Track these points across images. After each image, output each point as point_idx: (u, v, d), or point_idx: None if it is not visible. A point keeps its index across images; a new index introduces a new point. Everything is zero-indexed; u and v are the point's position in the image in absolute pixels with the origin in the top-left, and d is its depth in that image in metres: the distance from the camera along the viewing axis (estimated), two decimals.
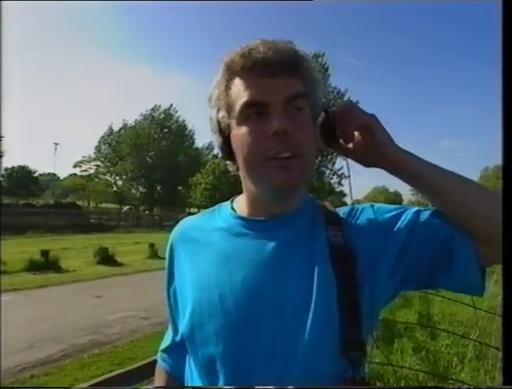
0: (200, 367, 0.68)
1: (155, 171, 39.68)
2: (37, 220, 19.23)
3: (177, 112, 42.44)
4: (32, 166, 44.21)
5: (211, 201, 39.11)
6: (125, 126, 41.98)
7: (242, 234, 0.70)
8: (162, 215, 29.68)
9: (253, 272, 0.66)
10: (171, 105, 42.03)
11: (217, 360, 0.65)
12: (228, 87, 0.69)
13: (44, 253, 9.38)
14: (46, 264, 9.19)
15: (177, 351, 0.81)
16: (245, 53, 0.67)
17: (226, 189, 37.89)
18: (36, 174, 44.53)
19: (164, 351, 0.87)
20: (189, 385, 0.74)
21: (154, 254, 12.12)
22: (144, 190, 41.65)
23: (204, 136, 44.16)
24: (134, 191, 42.70)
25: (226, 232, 0.72)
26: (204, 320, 0.67)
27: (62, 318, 5.85)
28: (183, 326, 0.71)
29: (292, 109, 0.66)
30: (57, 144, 53.99)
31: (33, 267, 9.07)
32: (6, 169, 38.47)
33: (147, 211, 36.21)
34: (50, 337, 5.07)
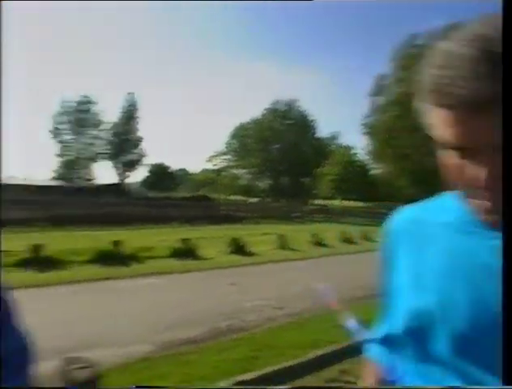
0: (421, 364, 0.67)
1: (280, 163, 40.82)
2: (175, 212, 21.51)
3: (298, 103, 42.88)
4: (168, 163, 49.72)
5: (337, 192, 38.83)
6: (251, 121, 44.12)
7: (474, 233, 0.65)
8: (290, 207, 30.38)
9: (489, 278, 0.61)
10: (293, 97, 42.73)
11: (441, 361, 0.63)
12: None
13: (185, 241, 10.37)
14: (186, 252, 10.14)
15: (389, 344, 0.77)
16: None
17: (353, 179, 37.03)
18: (171, 170, 49.98)
19: (376, 343, 0.82)
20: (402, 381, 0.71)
21: (283, 244, 12.41)
22: (270, 182, 43.22)
23: (328, 126, 43.61)
24: (260, 184, 44.66)
25: (456, 228, 0.67)
26: (431, 319, 0.65)
27: (202, 303, 6.35)
28: (403, 322, 0.69)
29: None
30: (189, 142, 59.71)
31: (174, 253, 10.11)
32: (147, 166, 44.01)
33: (274, 204, 37.51)
34: (192, 319, 5.54)
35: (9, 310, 0.77)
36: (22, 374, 0.78)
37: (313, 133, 43.32)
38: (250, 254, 11.30)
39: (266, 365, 3.85)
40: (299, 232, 15.90)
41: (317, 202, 36.07)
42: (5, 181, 24.94)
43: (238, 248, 11.27)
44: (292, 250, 12.49)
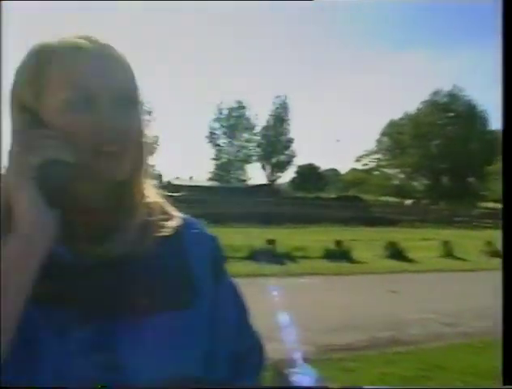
0: None
1: (440, 161, 37.21)
2: (325, 212, 21.51)
3: (462, 92, 38.35)
4: (317, 163, 50.09)
5: None
6: (406, 116, 41.35)
7: None
8: (452, 210, 27.47)
9: None
10: (454, 86, 38.40)
11: None
12: None
13: (338, 243, 10.23)
14: (339, 253, 9.99)
15: None
16: None
17: None
18: (320, 170, 50.26)
19: None
20: None
21: (448, 252, 11.21)
22: (428, 183, 39.78)
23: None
24: (415, 184, 41.54)
25: None
26: None
27: (360, 309, 6.11)
28: None
29: None
30: (338, 141, 59.40)
31: (328, 254, 10.05)
32: (297, 167, 45.19)
33: (433, 206, 34.39)
34: (351, 325, 5.36)
35: (246, 307, 0.78)
36: (256, 373, 0.76)
37: (482, 125, 38.24)
38: (409, 261, 10.51)
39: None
40: (465, 239, 14.15)
41: (486, 205, 31.71)
42: (172, 181, 28.65)
43: (396, 253, 10.59)
44: (459, 259, 11.17)
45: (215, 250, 0.76)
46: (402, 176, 42.26)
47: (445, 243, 11.52)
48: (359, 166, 46.65)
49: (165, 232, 0.68)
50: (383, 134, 43.91)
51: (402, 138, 40.31)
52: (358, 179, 44.57)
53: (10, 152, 0.59)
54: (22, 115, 0.62)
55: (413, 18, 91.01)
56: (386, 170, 43.93)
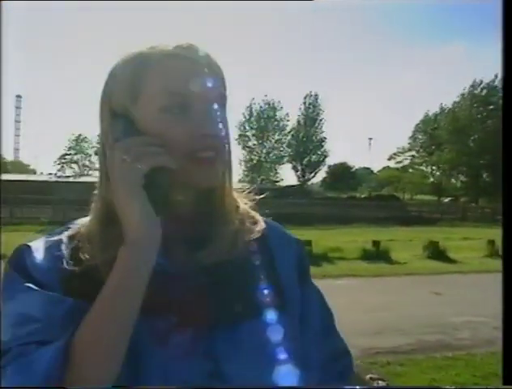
0: None
1: (479, 156, 35.88)
2: (360, 212, 21.17)
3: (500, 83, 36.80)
4: (350, 162, 49.41)
5: None
6: (442, 111, 40.14)
7: None
8: (495, 208, 26.43)
9: None
10: (495, 77, 36.88)
11: None
12: None
13: (376, 243, 10.02)
14: (377, 254, 9.79)
15: None
16: None
17: None
18: (353, 169, 49.55)
19: None
20: None
21: (494, 252, 10.76)
22: (466, 179, 38.45)
23: None
24: (453, 181, 40.25)
25: None
26: None
27: (403, 311, 5.94)
28: None
29: None
30: (371, 139, 58.51)
31: (366, 255, 9.86)
32: (329, 166, 44.73)
33: (472, 204, 33.20)
34: (395, 328, 5.22)
35: (330, 309, 0.79)
36: (346, 375, 0.76)
37: None
38: (452, 261, 10.16)
39: None
40: None
41: None
42: None
43: (437, 253, 10.27)
44: None
45: (300, 253, 0.76)
46: (438, 173, 41.03)
47: (491, 242, 11.06)
48: (392, 164, 45.70)
49: (253, 236, 0.69)
50: (418, 130, 42.81)
51: (438, 133, 39.13)
52: (392, 178, 43.63)
53: (112, 160, 0.59)
54: (115, 121, 0.63)
55: (448, 10, 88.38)
56: (421, 168, 42.80)
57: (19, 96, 58.52)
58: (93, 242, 0.62)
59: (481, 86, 37.50)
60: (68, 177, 35.02)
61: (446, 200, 34.39)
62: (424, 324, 5.34)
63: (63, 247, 0.64)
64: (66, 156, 41.28)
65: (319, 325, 0.74)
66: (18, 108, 58.08)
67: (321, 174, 44.97)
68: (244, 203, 0.72)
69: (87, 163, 41.61)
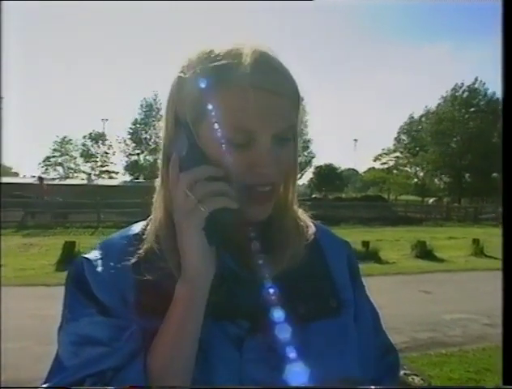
0: None
1: (461, 158, 36.53)
2: (347, 212, 21.32)
3: (484, 85, 37.61)
4: (336, 163, 49.70)
5: None
6: (426, 113, 40.74)
7: None
8: (477, 208, 26.92)
9: None
10: (475, 80, 37.64)
11: None
12: None
13: (365, 243, 10.12)
14: (367, 254, 9.88)
15: None
16: None
17: None
18: (339, 170, 49.85)
19: None
20: None
21: (479, 251, 10.97)
22: (449, 180, 39.11)
23: None
24: (437, 182, 40.88)
25: None
26: None
27: (395, 309, 6.02)
28: None
29: None
30: (356, 141, 59.13)
31: (356, 255, 9.94)
32: (315, 167, 44.88)
33: (455, 204, 33.76)
34: (388, 326, 5.25)
35: (375, 308, 0.83)
36: (395, 372, 0.77)
37: None
38: (439, 260, 10.32)
39: None
40: (494, 237, 13.82)
41: None
42: None
43: (424, 252, 10.42)
44: (490, 257, 10.94)
45: (349, 254, 0.79)
46: (422, 174, 41.64)
47: (475, 241, 11.28)
48: (378, 165, 46.18)
49: (308, 241, 0.70)
50: (402, 132, 43.37)
51: (421, 135, 39.74)
52: (377, 178, 44.07)
53: (176, 190, 0.59)
54: (179, 130, 0.62)
55: (431, 11, 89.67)
56: (405, 169, 43.36)
57: (1, 98, 57.41)
58: (157, 252, 0.63)
59: (462, 89, 38.20)
60: (53, 179, 34.42)
61: (431, 200, 34.95)
62: (415, 322, 5.43)
63: (125, 258, 0.64)
64: (51, 159, 40.57)
65: (371, 323, 0.77)
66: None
67: (307, 176, 45.17)
68: (298, 208, 0.73)
69: (71, 165, 40.98)
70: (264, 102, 0.57)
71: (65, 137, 40.74)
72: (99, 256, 0.65)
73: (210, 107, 0.58)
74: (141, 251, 0.63)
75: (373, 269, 9.05)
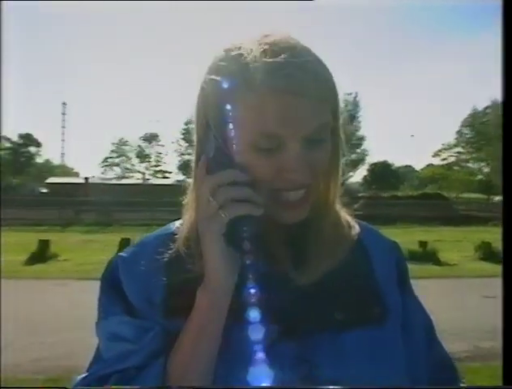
0: None
1: None
2: (403, 211, 20.57)
3: None
4: (391, 160, 48.17)
5: None
6: (492, 104, 38.33)
7: None
8: None
9: None
10: None
11: None
12: None
13: (423, 244, 9.72)
14: (424, 255, 9.48)
15: None
16: None
17: None
18: (394, 167, 48.26)
19: None
20: None
21: None
22: None
23: None
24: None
25: None
26: None
27: (455, 315, 5.71)
28: None
29: None
30: (412, 136, 57.02)
31: (412, 256, 9.55)
32: (370, 165, 43.80)
33: None
34: (449, 332, 5.01)
35: (430, 316, 0.80)
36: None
37: None
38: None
39: None
40: None
41: None
42: None
43: (489, 254, 9.80)
44: None
45: (398, 257, 0.73)
46: (487, 170, 39.21)
47: None
48: (437, 162, 44.12)
49: (351, 242, 0.67)
50: (464, 125, 41.10)
51: (486, 128, 37.39)
52: (436, 175, 42.12)
53: (200, 194, 0.59)
54: (208, 133, 0.61)
55: None
56: (468, 165, 41.08)
57: (64, 103, 61.26)
58: (189, 253, 0.63)
59: None
60: (110, 179, 36.25)
61: (497, 198, 32.79)
62: (478, 329, 5.12)
63: (156, 258, 0.65)
64: (109, 160, 42.75)
65: (423, 335, 0.71)
66: (63, 114, 60.79)
67: (361, 173, 44.18)
68: (341, 208, 0.70)
69: (128, 165, 42.91)
70: (289, 105, 0.55)
71: (121, 138, 42.79)
72: (133, 255, 0.67)
73: (233, 110, 0.57)
74: (171, 252, 0.64)
75: (432, 271, 8.65)
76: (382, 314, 0.64)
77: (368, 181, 44.67)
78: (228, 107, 0.57)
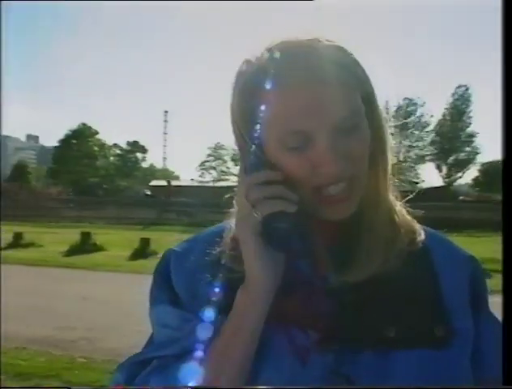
0: None
1: None
2: None
3: None
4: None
5: None
6: None
7: None
8: None
9: None
10: None
11: None
12: None
13: None
14: None
15: None
16: None
17: None
18: None
19: None
20: None
21: None
22: None
23: None
24: None
25: None
26: None
27: None
28: None
29: None
30: None
31: None
32: (481, 164, 40.20)
33: None
34: None
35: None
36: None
37: None
38: None
39: None
40: None
41: None
42: None
43: None
44: None
45: (475, 273, 0.65)
46: None
47: None
48: None
49: (411, 248, 0.61)
50: None
51: None
52: None
53: (238, 194, 0.60)
54: (240, 138, 0.63)
55: None
56: None
57: (166, 111, 65.99)
58: (233, 253, 0.63)
59: None
60: (207, 182, 38.20)
61: None
62: None
63: (205, 255, 0.66)
64: (206, 163, 45.04)
65: (498, 367, 0.59)
66: (165, 121, 65.47)
67: (470, 174, 40.71)
68: (400, 206, 0.65)
69: (223, 168, 44.80)
70: (309, 97, 0.54)
71: (218, 142, 44.84)
72: (184, 250, 0.69)
73: (258, 113, 0.57)
74: (218, 251, 0.65)
75: None
76: (445, 336, 0.57)
77: (478, 183, 41.00)
78: (251, 107, 0.58)
